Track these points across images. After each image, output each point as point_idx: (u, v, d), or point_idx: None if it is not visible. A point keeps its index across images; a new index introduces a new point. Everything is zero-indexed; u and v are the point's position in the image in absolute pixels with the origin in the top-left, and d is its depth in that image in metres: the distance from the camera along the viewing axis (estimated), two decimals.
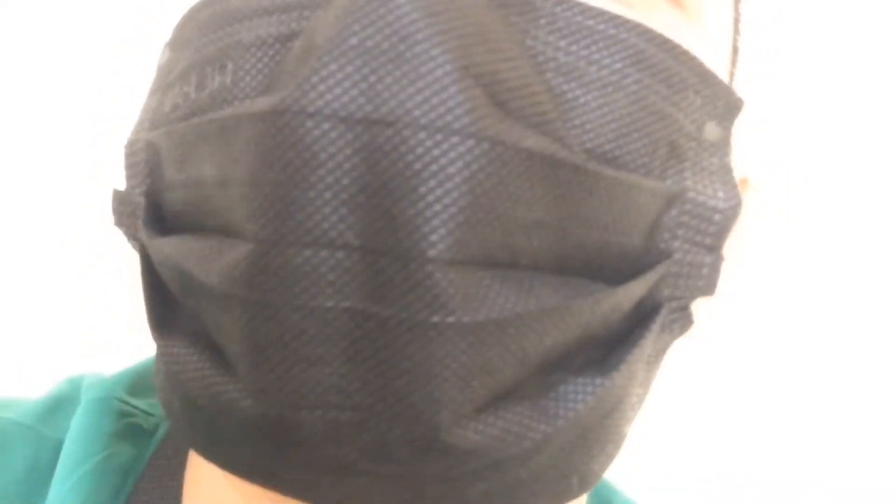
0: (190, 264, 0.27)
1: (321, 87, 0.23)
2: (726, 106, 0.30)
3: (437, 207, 0.23)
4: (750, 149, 0.36)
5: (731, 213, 0.30)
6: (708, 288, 0.30)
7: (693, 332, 0.32)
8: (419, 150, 0.23)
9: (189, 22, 0.30)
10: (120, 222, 0.32)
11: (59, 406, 0.41)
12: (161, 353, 0.29)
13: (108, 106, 0.78)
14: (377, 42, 0.23)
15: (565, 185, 0.25)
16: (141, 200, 0.31)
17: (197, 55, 0.29)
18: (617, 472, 0.46)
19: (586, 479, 0.29)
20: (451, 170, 0.23)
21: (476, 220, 0.24)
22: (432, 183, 0.23)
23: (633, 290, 0.28)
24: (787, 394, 0.77)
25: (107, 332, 0.71)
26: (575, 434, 0.27)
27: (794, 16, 0.77)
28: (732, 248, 0.35)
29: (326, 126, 0.23)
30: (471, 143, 0.23)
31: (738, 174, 0.35)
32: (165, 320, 0.30)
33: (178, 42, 0.30)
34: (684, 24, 0.31)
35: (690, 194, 0.29)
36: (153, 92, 0.31)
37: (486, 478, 0.27)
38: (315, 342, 0.24)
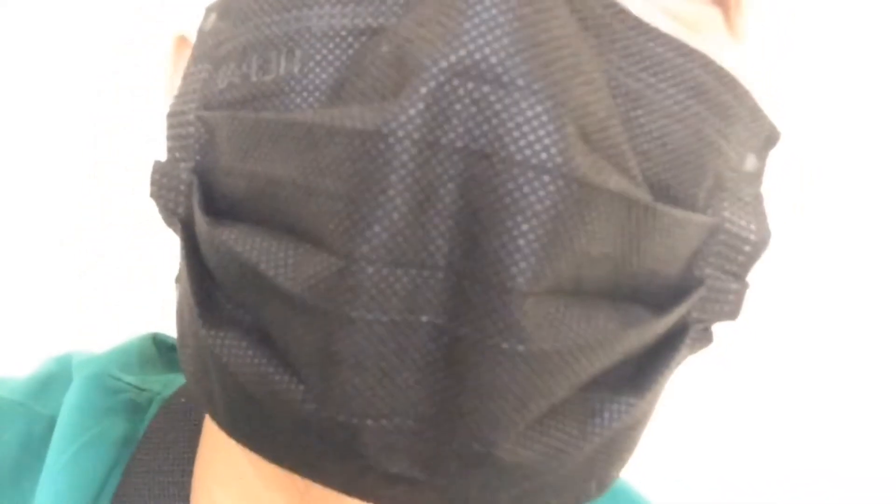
0: (259, 262, 0.27)
1: (427, 115, 0.23)
2: (767, 138, 0.31)
3: (522, 242, 0.24)
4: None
5: (760, 245, 0.31)
6: (732, 313, 0.31)
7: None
8: (510, 186, 0.24)
9: None
10: (158, 194, 0.31)
11: (49, 383, 0.41)
12: (210, 343, 0.29)
13: (108, 106, 0.78)
14: (481, 71, 0.23)
15: (635, 223, 0.26)
16: (189, 178, 0.30)
17: (259, 34, 0.28)
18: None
19: (604, 483, 0.30)
20: (539, 207, 0.24)
21: (555, 255, 0.24)
22: (520, 218, 0.24)
23: (675, 317, 0.29)
24: (799, 387, 0.77)
25: (107, 332, 0.71)
26: (602, 445, 0.29)
27: (805, 8, 0.77)
28: None
29: (428, 153, 0.24)
30: (560, 183, 0.24)
31: None
32: (215, 309, 0.29)
33: (233, 12, 0.29)
34: (735, 49, 0.31)
35: (727, 225, 0.30)
36: (197, 59, 0.31)
37: (518, 484, 0.28)
38: (391, 354, 0.25)
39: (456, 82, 0.23)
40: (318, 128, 0.25)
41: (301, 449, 0.28)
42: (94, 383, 0.40)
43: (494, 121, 0.23)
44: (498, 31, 0.23)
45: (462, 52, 0.23)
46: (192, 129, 0.30)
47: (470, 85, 0.23)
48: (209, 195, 0.29)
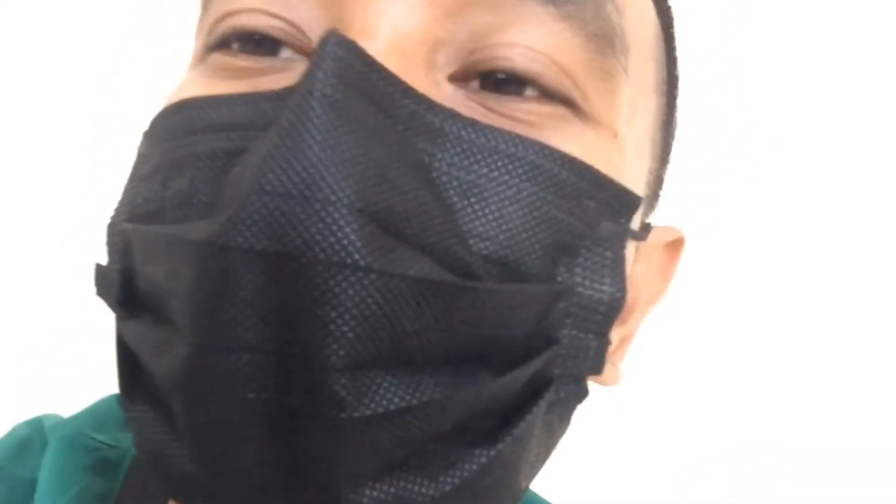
0: (143, 350, 0.33)
1: (241, 227, 0.28)
2: (622, 205, 0.35)
3: (332, 327, 0.28)
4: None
5: (615, 305, 0.34)
6: (595, 367, 0.35)
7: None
8: (318, 281, 0.28)
9: (162, 121, 0.35)
10: (100, 293, 0.37)
11: (26, 447, 0.44)
12: (128, 418, 0.34)
13: (108, 106, 0.78)
14: (287, 188, 0.28)
15: (448, 300, 0.30)
16: (117, 279, 0.35)
17: (165, 157, 0.34)
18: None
19: None
20: (343, 297, 0.28)
21: (365, 336, 0.28)
22: (328, 308, 0.28)
23: (518, 376, 0.32)
24: (799, 387, 0.77)
25: (107, 331, 0.71)
26: (467, 494, 0.32)
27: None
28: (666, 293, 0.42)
29: (245, 259, 0.28)
30: (360, 274, 0.28)
31: (667, 236, 0.41)
32: (132, 386, 0.34)
33: (153, 137, 0.35)
34: (594, 137, 0.35)
35: (579, 289, 0.33)
36: (132, 178, 0.36)
37: None
38: (244, 424, 0.30)
39: (266, 199, 0.28)
40: (175, 238, 0.30)
41: (191, 496, 0.32)
42: (70, 444, 0.43)
43: (300, 227, 0.28)
44: (305, 154, 0.28)
45: (270, 176, 0.28)
46: (118, 238, 0.35)
47: (278, 201, 0.28)
48: (132, 292, 0.34)
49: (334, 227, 0.28)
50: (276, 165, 0.28)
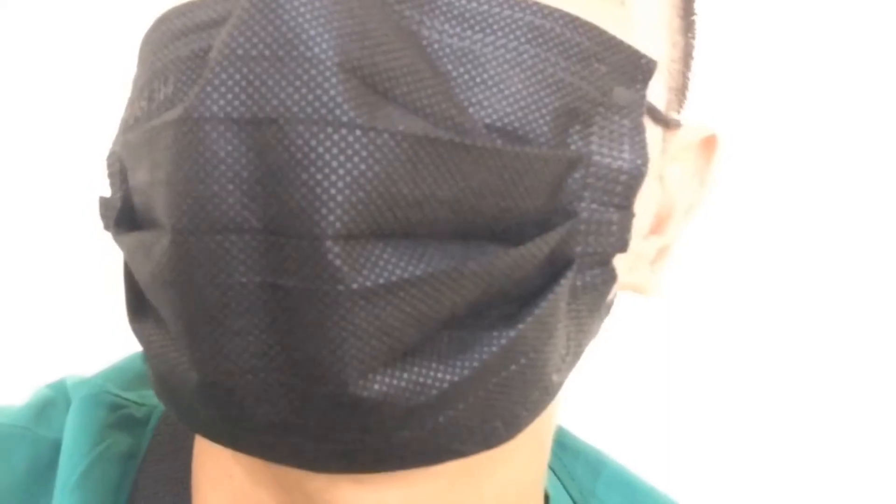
0: (133, 257, 0.31)
1: (214, 95, 0.27)
2: (636, 69, 0.32)
3: (318, 191, 0.26)
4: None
5: (636, 174, 0.32)
6: (619, 244, 0.32)
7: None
8: (300, 142, 0.26)
9: (146, 41, 0.34)
10: (107, 226, 0.35)
11: (48, 407, 0.42)
12: (137, 339, 0.33)
13: (107, 106, 0.78)
14: (260, 50, 0.26)
15: (446, 160, 0.28)
16: (117, 203, 0.34)
17: (150, 70, 0.33)
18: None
19: (512, 423, 0.32)
20: (328, 157, 0.26)
21: (358, 200, 0.26)
22: (313, 170, 0.26)
23: (533, 250, 0.30)
24: (798, 387, 0.77)
25: (107, 331, 0.71)
26: (490, 383, 0.30)
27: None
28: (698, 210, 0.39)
29: (221, 128, 0.27)
30: (343, 131, 0.26)
31: (699, 133, 0.38)
32: (138, 307, 0.33)
33: (139, 59, 0.34)
34: (600, 4, 0.33)
35: (595, 157, 0.31)
36: (126, 106, 0.35)
37: (405, 426, 0.29)
38: (236, 314, 0.28)
39: (239, 64, 0.27)
40: (154, 127, 0.29)
41: (204, 417, 0.31)
42: (94, 402, 0.41)
43: (276, 88, 0.26)
44: (277, 13, 0.26)
45: (241, 39, 0.27)
46: (115, 164, 0.34)
47: (251, 64, 0.27)
48: (131, 216, 0.33)
49: (312, 84, 0.26)
50: (246, 29, 0.26)
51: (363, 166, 0.26)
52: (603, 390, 0.72)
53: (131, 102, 0.34)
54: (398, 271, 0.28)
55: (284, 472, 0.32)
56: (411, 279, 0.28)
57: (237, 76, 0.27)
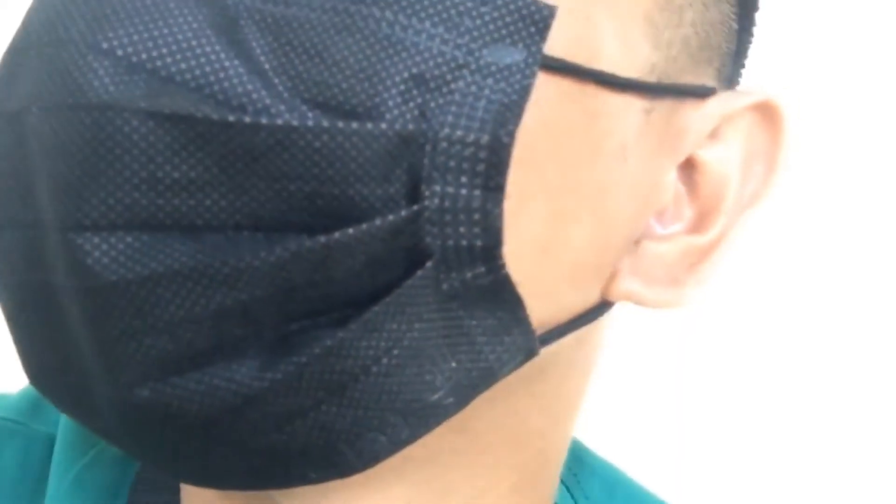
0: None
1: None
2: (524, 20, 0.27)
3: (60, 180, 0.24)
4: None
5: (499, 147, 0.26)
6: (489, 234, 0.27)
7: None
8: (42, 129, 0.25)
9: None
10: None
11: (43, 400, 0.41)
12: None
13: None
14: (29, 41, 0.26)
15: (224, 143, 0.25)
16: None
17: None
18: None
19: (362, 451, 0.28)
20: (75, 143, 0.24)
21: (102, 188, 0.24)
22: (56, 159, 0.25)
23: (350, 240, 0.26)
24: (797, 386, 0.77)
25: None
26: (317, 396, 0.27)
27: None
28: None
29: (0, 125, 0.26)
30: (96, 113, 0.24)
31: (741, 101, 0.31)
32: None
33: None
34: None
35: (446, 131, 0.26)
36: None
37: (222, 441, 0.27)
38: (31, 312, 0.27)
39: (9, 57, 0.26)
40: None
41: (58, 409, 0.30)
42: None
43: (30, 77, 0.25)
44: (51, 3, 0.26)
45: (19, 33, 0.26)
46: None
47: (18, 56, 0.26)
48: None
49: (62, 67, 0.25)
50: (27, 21, 0.26)
51: (118, 150, 0.24)
52: (612, 398, 0.71)
53: None
54: (154, 265, 0.25)
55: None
56: (182, 271, 0.25)
57: (6, 70, 0.26)
